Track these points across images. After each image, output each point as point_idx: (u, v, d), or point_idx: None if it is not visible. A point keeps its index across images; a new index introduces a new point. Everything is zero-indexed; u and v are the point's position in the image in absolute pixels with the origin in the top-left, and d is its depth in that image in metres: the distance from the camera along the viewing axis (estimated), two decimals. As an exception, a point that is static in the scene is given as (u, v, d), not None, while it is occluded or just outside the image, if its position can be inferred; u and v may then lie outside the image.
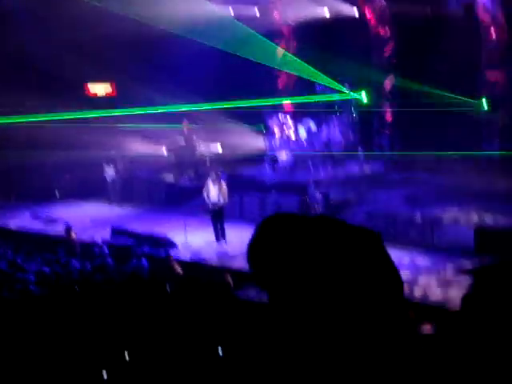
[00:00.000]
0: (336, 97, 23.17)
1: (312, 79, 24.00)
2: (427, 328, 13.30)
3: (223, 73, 25.01)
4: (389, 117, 25.07)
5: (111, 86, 26.91)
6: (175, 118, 24.77)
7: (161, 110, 24.50)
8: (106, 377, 9.75)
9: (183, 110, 24.49)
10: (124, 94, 25.90)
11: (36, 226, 21.98)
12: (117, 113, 24.78)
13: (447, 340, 9.31)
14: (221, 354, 10.71)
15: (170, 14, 24.11)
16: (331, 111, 23.43)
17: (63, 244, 18.46)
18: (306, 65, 24.70)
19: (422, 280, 15.93)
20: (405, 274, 16.36)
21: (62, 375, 10.31)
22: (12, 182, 25.13)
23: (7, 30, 24.90)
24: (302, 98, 24.40)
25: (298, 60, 25.48)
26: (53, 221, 21.89)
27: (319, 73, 23.89)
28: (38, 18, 24.42)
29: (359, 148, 23.07)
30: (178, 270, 16.31)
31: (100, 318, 12.53)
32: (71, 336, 11.58)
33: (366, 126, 24.37)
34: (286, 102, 24.99)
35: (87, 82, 26.65)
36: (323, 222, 2.74)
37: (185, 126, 24.30)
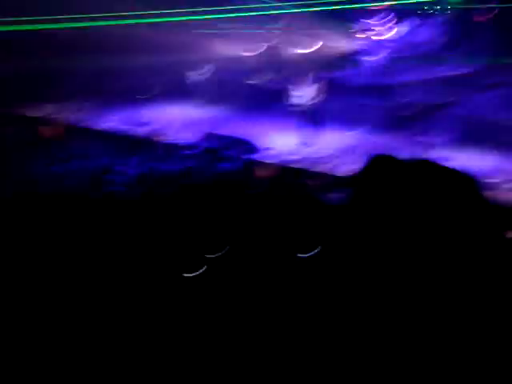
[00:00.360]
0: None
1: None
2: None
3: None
4: (487, 15, 24.13)
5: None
6: (265, 18, 24.42)
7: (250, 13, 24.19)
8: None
9: (272, 12, 24.10)
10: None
11: (126, 127, 22.14)
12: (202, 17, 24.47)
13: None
14: (305, 255, 10.70)
15: None
16: (425, 10, 22.65)
17: (151, 146, 18.58)
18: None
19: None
20: (494, 180, 15.99)
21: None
22: (103, 83, 25.27)
23: None
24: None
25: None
26: (142, 123, 22.01)
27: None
28: None
29: (453, 49, 22.35)
30: (265, 173, 16.31)
31: (188, 219, 12.65)
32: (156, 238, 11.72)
33: (461, 25, 23.53)
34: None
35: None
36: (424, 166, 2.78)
37: (275, 27, 23.93)
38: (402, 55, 22.04)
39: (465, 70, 22.05)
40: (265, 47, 24.06)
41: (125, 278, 10.39)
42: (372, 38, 22.19)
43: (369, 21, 22.44)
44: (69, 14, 23.53)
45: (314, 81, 21.20)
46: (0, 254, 10.80)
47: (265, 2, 24.23)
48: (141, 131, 21.22)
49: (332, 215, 12.90)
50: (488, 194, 14.74)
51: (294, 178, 16.43)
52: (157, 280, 10.21)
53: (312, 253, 10.74)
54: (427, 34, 22.21)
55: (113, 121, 22.61)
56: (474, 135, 18.18)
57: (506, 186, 15.53)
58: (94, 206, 13.51)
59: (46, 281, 10.36)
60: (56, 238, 11.67)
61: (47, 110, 24.22)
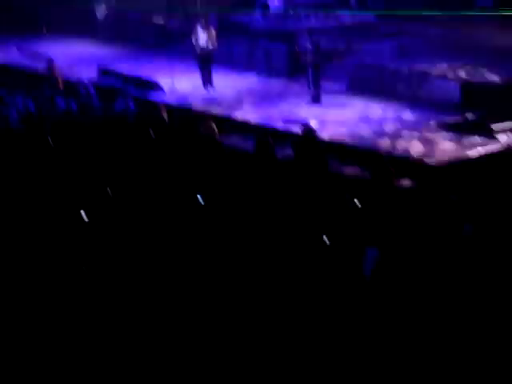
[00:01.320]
0: None
1: None
2: (406, 182, 13.54)
3: None
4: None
5: None
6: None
7: None
8: (85, 217, 9.91)
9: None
10: None
11: (21, 60, 21.69)
12: None
13: (425, 194, 9.43)
14: (201, 201, 10.86)
15: None
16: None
17: (48, 80, 18.25)
18: None
19: (406, 134, 16.01)
20: (389, 127, 16.47)
21: (38, 214, 10.45)
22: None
23: None
24: None
25: None
26: (39, 57, 21.56)
27: None
28: None
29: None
30: (164, 115, 16.28)
31: (83, 158, 12.63)
32: (52, 175, 11.70)
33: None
34: None
35: None
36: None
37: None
38: (305, 1, 22.22)
39: (363, 19, 22.45)
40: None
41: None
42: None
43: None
44: None
45: (216, 24, 21.23)
46: None
47: None
48: (37, 65, 20.85)
49: (235, 160, 13.13)
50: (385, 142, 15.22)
51: (192, 120, 16.49)
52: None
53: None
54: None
55: (9, 52, 22.11)
56: (369, 83, 18.60)
57: (403, 133, 16.01)
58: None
59: None
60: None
61: None
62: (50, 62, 18.88)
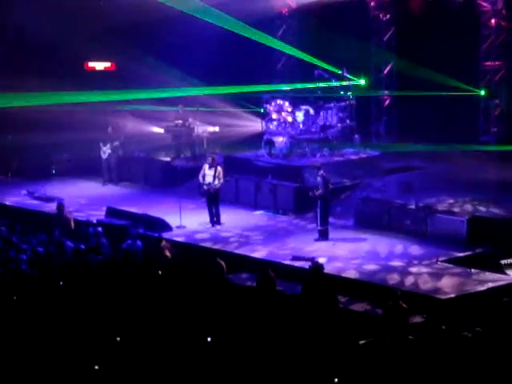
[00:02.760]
0: (334, 82, 23.06)
1: (311, 63, 23.91)
2: (417, 317, 13.43)
3: (222, 55, 25.08)
4: (387, 103, 25.05)
5: (111, 64, 26.86)
6: (173, 98, 24.79)
7: (160, 94, 24.62)
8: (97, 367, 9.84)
9: (182, 95, 24.56)
10: (123, 73, 25.95)
11: (31, 203, 22.00)
12: (116, 97, 24.78)
13: (437, 328, 9.29)
14: (209, 340, 10.78)
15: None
16: (329, 96, 23.27)
17: (57, 222, 18.47)
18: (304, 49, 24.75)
19: (414, 269, 16.00)
20: (397, 262, 16.47)
21: (51, 355, 10.39)
22: (9, 159, 25.16)
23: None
24: (300, 83, 24.31)
25: (297, 43, 25.53)
26: (48, 199, 21.90)
27: (317, 57, 23.85)
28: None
29: (356, 134, 23.01)
30: (168, 253, 16.34)
31: (92, 299, 12.61)
32: (62, 317, 11.67)
33: (363, 111, 24.29)
34: (285, 87, 24.94)
35: (87, 60, 26.63)
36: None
37: (181, 107, 24.29)
38: (309, 138, 22.56)
39: (367, 155, 22.75)
40: (174, 126, 24.35)
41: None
42: (281, 120, 22.63)
43: (275, 104, 22.91)
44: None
45: (222, 161, 21.55)
46: None
47: (175, 83, 24.64)
48: (48, 207, 21.14)
49: (242, 297, 13.08)
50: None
51: (201, 258, 16.54)
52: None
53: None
54: (331, 118, 22.79)
55: (20, 196, 22.48)
56: (376, 218, 18.72)
57: (411, 269, 16.02)
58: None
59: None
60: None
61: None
62: (59, 203, 19.16)
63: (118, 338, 10.84)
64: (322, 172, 18.33)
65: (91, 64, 26.76)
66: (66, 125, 24.12)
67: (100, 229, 17.56)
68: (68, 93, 24.29)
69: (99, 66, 26.79)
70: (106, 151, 23.82)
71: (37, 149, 24.08)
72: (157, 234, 17.39)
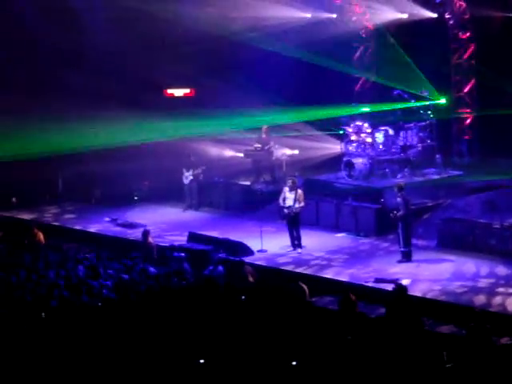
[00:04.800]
0: (414, 102, 22.88)
1: (390, 84, 23.77)
2: (505, 339, 13.11)
3: (302, 79, 25.14)
4: (468, 122, 24.67)
5: (190, 90, 27.17)
6: (253, 122, 24.93)
7: (242, 122, 24.89)
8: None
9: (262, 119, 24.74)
10: (202, 99, 26.23)
11: (115, 230, 22.30)
12: (196, 125, 25.15)
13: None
14: (294, 363, 10.71)
15: (248, 18, 24.39)
16: (409, 118, 23.11)
17: (141, 248, 18.67)
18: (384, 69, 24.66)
19: (501, 290, 15.67)
20: (483, 283, 16.15)
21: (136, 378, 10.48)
22: (92, 187, 25.60)
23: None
24: (380, 104, 24.15)
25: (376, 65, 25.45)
26: (132, 225, 22.19)
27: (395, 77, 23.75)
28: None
29: (437, 154, 22.76)
30: (251, 278, 16.34)
31: (174, 324, 12.67)
32: (146, 342, 11.75)
33: (444, 130, 24.01)
34: (364, 108, 24.80)
35: (167, 87, 27.01)
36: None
37: (263, 131, 24.31)
38: (389, 158, 22.41)
39: (449, 174, 22.46)
40: (254, 150, 24.40)
41: None
42: (360, 141, 22.55)
43: (355, 125, 22.83)
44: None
45: (302, 183, 21.49)
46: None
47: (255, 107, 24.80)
48: (130, 234, 21.42)
49: (325, 321, 12.96)
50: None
51: (283, 282, 16.49)
52: None
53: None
54: (411, 138, 22.62)
55: (104, 223, 22.82)
56: (460, 238, 18.42)
57: (499, 289, 15.71)
58: (87, 312, 13.56)
59: None
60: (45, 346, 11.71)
61: (41, 214, 24.61)
62: (144, 230, 19.34)
63: (202, 361, 10.85)
64: (402, 192, 18.12)
65: (170, 91, 27.10)
66: (147, 152, 24.48)
67: (183, 254, 17.71)
68: (150, 123, 24.76)
69: (178, 92, 27.10)
70: (188, 177, 24.00)
71: (119, 176, 24.42)
72: (238, 259, 17.42)
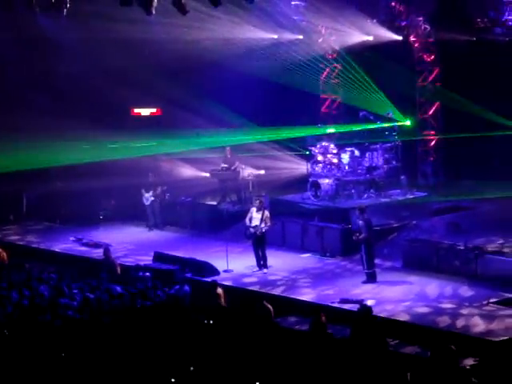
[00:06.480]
0: (380, 123, 23.06)
1: (356, 105, 23.96)
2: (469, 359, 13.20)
3: (268, 100, 25.25)
4: (433, 144, 24.88)
5: (157, 109, 27.17)
6: (219, 142, 24.98)
7: (207, 142, 24.95)
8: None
9: (229, 140, 24.80)
10: (168, 118, 26.25)
11: (79, 249, 22.19)
12: (161, 143, 25.17)
13: (489, 372, 9.15)
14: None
15: (215, 40, 24.46)
16: (374, 140, 23.28)
17: (103, 266, 18.60)
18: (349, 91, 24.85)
19: (465, 311, 15.77)
20: (447, 304, 16.25)
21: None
22: (57, 206, 25.46)
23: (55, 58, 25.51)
24: (346, 125, 24.31)
25: (342, 86, 25.60)
26: (97, 245, 22.07)
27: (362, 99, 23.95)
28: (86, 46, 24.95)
29: (402, 175, 22.92)
30: (223, 300, 16.29)
31: (139, 344, 12.60)
32: (111, 361, 11.66)
33: (410, 152, 24.21)
34: (330, 129, 24.93)
35: (133, 107, 26.99)
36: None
37: (227, 152, 24.39)
38: (355, 179, 22.53)
39: (414, 195, 22.65)
40: (219, 170, 24.44)
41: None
42: (326, 162, 22.64)
43: (320, 146, 22.94)
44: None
45: (268, 204, 21.53)
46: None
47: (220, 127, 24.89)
48: (94, 253, 21.30)
49: (291, 341, 12.95)
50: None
51: (248, 302, 16.47)
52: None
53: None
54: (377, 159, 22.77)
55: (69, 243, 22.69)
56: (425, 260, 18.55)
57: (463, 311, 15.81)
58: (50, 331, 13.44)
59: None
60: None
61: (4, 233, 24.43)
62: (105, 248, 19.32)
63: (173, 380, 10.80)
64: (364, 215, 18.19)
65: (137, 110, 27.08)
66: (112, 171, 24.37)
67: (148, 273, 17.65)
68: (116, 142, 24.71)
69: (145, 111, 27.10)
70: (148, 198, 23.95)
71: (85, 195, 24.33)
72: (211, 280, 17.36)
